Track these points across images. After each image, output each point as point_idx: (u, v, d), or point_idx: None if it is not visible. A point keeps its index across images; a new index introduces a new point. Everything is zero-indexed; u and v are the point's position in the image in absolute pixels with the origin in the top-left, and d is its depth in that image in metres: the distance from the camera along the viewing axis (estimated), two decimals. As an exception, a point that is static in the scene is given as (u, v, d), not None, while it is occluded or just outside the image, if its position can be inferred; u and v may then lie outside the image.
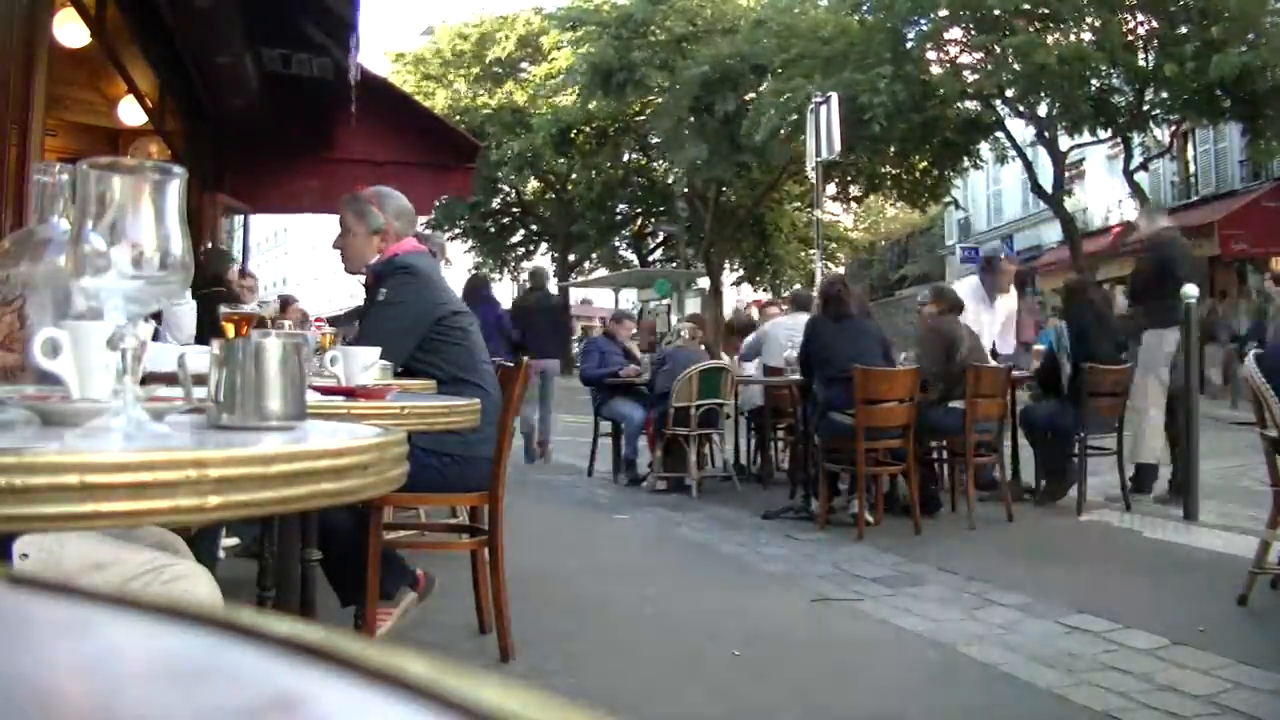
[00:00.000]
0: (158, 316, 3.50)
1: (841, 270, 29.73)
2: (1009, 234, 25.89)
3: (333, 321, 6.55)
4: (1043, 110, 16.19)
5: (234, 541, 3.95)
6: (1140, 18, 15.55)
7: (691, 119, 19.12)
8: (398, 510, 3.79)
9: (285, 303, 8.47)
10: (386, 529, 2.97)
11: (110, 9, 5.03)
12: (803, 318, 7.02)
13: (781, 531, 5.14)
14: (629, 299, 26.05)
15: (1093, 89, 15.36)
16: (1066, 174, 17.89)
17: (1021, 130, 17.90)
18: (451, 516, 4.14)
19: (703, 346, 7.73)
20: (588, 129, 21.79)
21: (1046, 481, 5.85)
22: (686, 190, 22.39)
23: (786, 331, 6.83)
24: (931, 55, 16.73)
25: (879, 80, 14.70)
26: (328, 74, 5.74)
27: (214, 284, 4.94)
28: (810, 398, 5.38)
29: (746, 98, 17.70)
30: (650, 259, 27.50)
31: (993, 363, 5.78)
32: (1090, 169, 21.76)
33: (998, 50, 14.94)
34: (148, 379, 1.09)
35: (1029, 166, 17.95)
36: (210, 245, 6.51)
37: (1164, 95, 15.16)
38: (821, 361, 5.16)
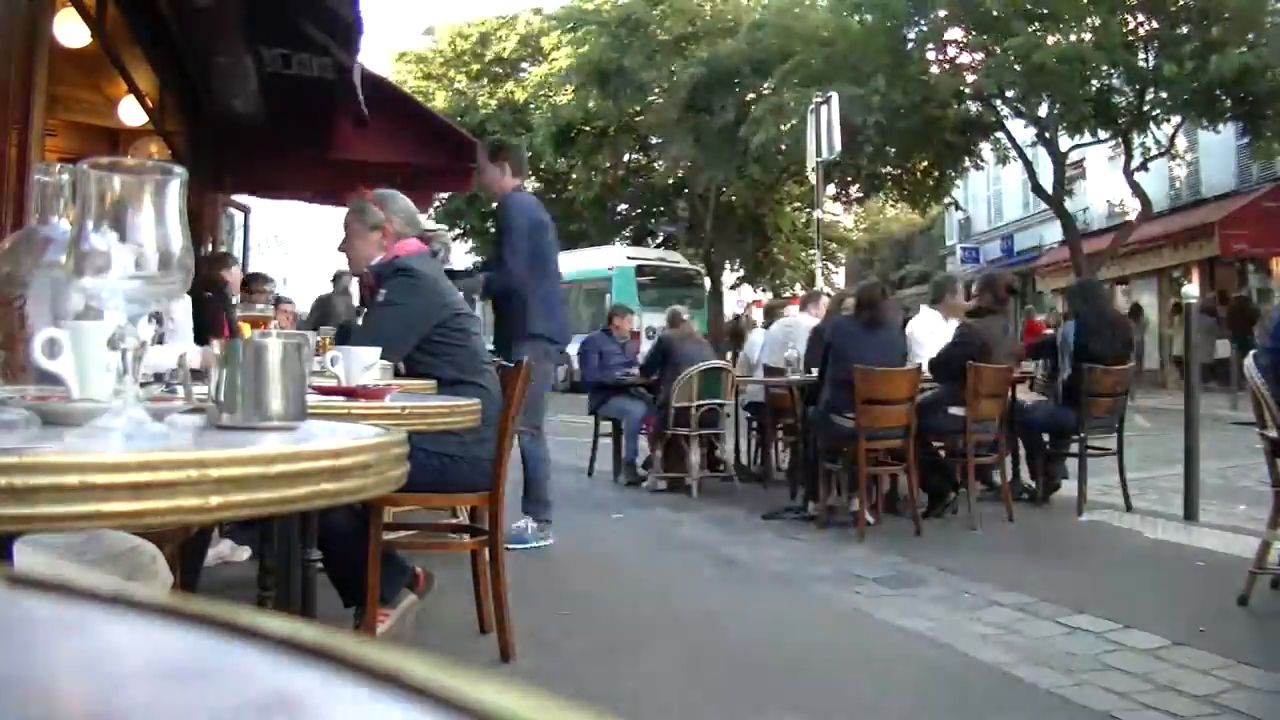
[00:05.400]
0: (158, 318, 3.50)
1: (842, 272, 29.74)
2: (1009, 234, 25.90)
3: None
4: (1043, 110, 16.19)
5: (247, 553, 3.95)
6: (1140, 18, 15.54)
7: (684, 120, 19.12)
8: (398, 510, 3.79)
9: (276, 303, 8.48)
10: (387, 529, 2.97)
11: (110, 9, 5.03)
12: (801, 318, 7.03)
13: (781, 531, 5.14)
14: (629, 299, 26.04)
15: (1093, 89, 15.35)
16: (1067, 174, 17.88)
17: (1022, 130, 17.91)
18: (451, 516, 4.14)
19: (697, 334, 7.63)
20: (587, 129, 21.78)
21: (1037, 483, 5.86)
22: (686, 190, 22.39)
23: (785, 331, 6.84)
24: (931, 56, 16.73)
25: (872, 96, 14.67)
26: (328, 74, 5.74)
27: (209, 285, 4.95)
28: (813, 399, 5.37)
29: (747, 98, 17.69)
30: (650, 259, 27.52)
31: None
32: (1090, 169, 21.77)
33: (997, 50, 14.94)
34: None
35: (1029, 167, 17.95)
36: (211, 249, 6.52)
37: (1164, 95, 15.15)
38: (841, 361, 5.05)
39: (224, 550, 3.87)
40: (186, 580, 2.66)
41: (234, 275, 5.31)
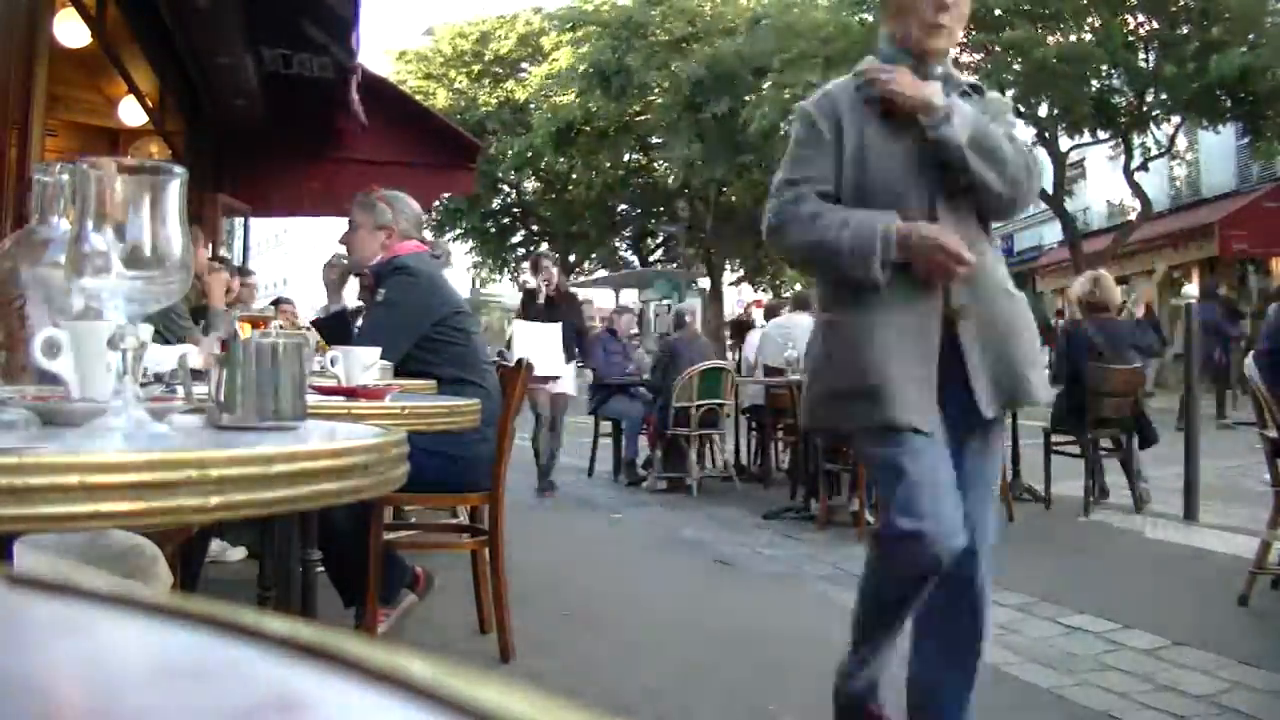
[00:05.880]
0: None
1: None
2: (1009, 234, 25.88)
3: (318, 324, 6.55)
4: (1043, 110, 16.19)
5: (241, 553, 3.95)
6: (1140, 18, 15.55)
7: (685, 118, 19.11)
8: (397, 510, 3.79)
9: (277, 303, 8.51)
10: (386, 529, 2.97)
11: (110, 9, 5.03)
12: (799, 317, 7.03)
13: (781, 531, 5.14)
14: (629, 299, 26.04)
15: (1093, 89, 15.35)
16: (1067, 174, 17.88)
17: (1021, 130, 17.90)
18: (451, 516, 4.14)
19: (702, 337, 7.66)
20: (588, 129, 21.77)
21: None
22: (686, 190, 22.38)
23: (782, 331, 6.83)
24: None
25: None
26: (328, 74, 5.74)
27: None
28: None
29: (746, 98, 17.67)
30: (650, 259, 27.48)
31: None
32: (1090, 169, 21.76)
33: (998, 50, 14.95)
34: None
35: (1029, 166, 17.93)
36: (212, 251, 6.51)
37: (1164, 96, 15.15)
38: None
39: (213, 549, 3.87)
40: (186, 580, 2.66)
41: (234, 284, 5.30)
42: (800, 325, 6.64)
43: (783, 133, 16.48)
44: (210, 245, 6.75)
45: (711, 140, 18.84)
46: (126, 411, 0.89)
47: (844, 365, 2.01)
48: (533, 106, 23.38)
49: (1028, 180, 2.06)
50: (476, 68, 24.87)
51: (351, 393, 1.82)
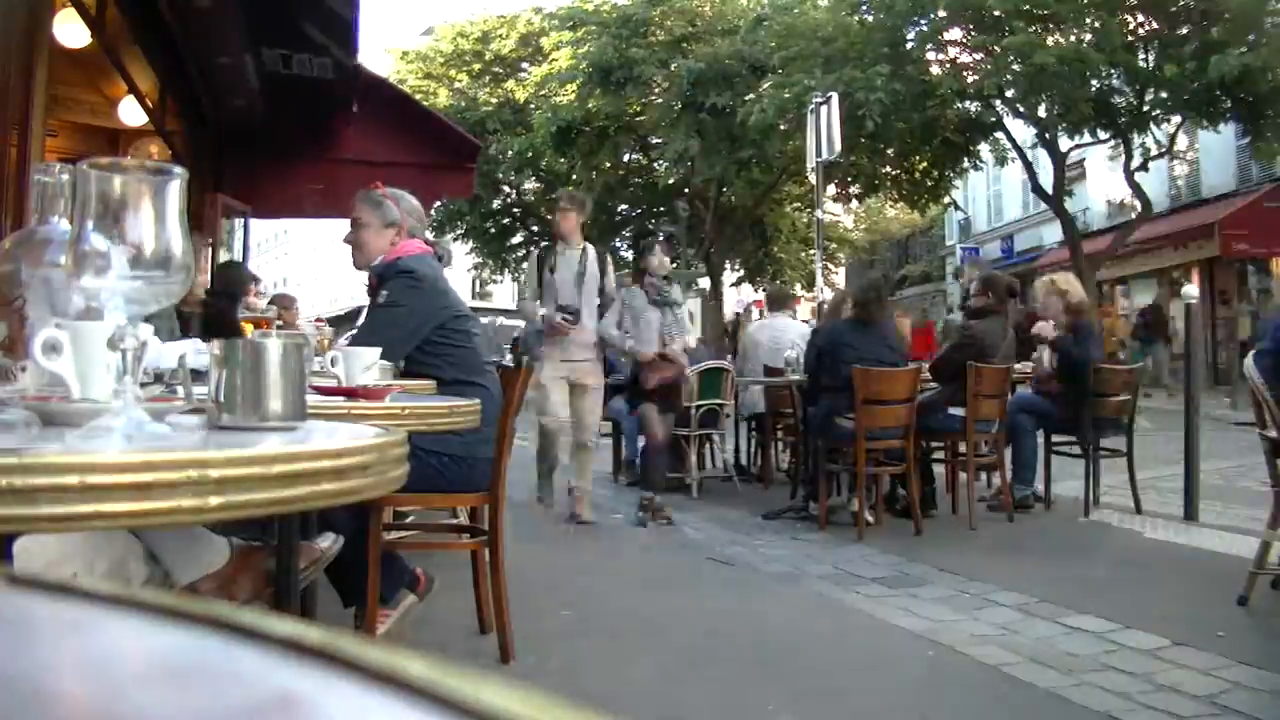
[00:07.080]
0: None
1: (842, 272, 29.70)
2: (1009, 234, 25.89)
3: (333, 322, 6.57)
4: (1043, 111, 16.17)
5: None
6: (1140, 18, 15.54)
7: (684, 115, 19.10)
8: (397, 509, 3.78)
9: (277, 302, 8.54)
10: (386, 529, 2.97)
11: (110, 9, 5.03)
12: (782, 319, 7.03)
13: (782, 531, 5.14)
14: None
15: (1093, 90, 15.35)
16: (1067, 174, 17.87)
17: (1022, 131, 17.90)
18: (452, 516, 4.14)
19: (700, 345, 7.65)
20: (588, 129, 21.77)
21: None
22: (686, 190, 22.38)
23: (771, 333, 6.83)
24: (931, 55, 16.72)
25: (876, 78, 14.71)
26: (328, 74, 5.75)
27: (227, 294, 4.99)
28: (813, 399, 5.36)
29: (748, 98, 17.67)
30: (650, 259, 27.49)
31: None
32: (1090, 169, 21.76)
33: (998, 50, 14.94)
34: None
35: (1029, 167, 17.94)
36: (212, 255, 6.54)
37: (1164, 96, 15.15)
38: (837, 363, 5.04)
39: None
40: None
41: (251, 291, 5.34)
42: (790, 326, 6.66)
43: (781, 129, 16.48)
44: (210, 246, 6.76)
45: (710, 136, 18.83)
46: (126, 411, 0.89)
47: None
48: (533, 106, 23.36)
49: None
50: (477, 67, 24.87)
51: (351, 393, 1.82)
